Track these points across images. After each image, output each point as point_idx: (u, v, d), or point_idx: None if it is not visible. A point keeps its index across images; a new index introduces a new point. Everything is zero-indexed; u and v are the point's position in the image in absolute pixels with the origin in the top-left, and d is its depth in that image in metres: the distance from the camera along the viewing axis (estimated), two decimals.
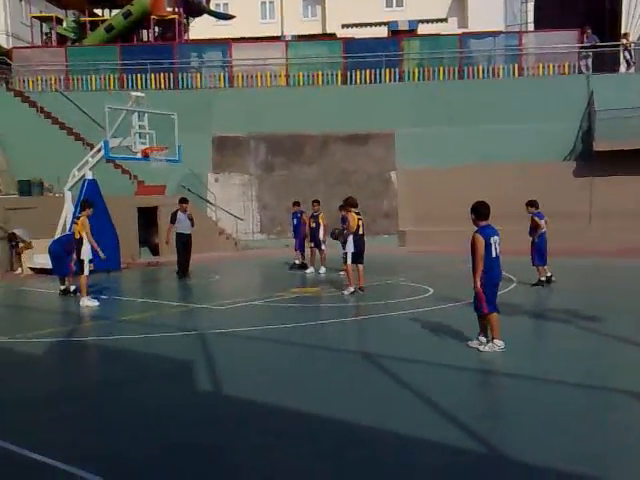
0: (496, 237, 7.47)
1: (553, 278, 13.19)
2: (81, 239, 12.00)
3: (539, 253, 13.12)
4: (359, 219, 12.62)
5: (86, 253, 12.00)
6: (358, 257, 12.70)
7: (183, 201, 16.77)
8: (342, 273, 14.81)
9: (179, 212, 16.47)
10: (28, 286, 15.07)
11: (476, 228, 7.58)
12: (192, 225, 16.47)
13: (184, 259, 16.36)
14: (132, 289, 15.24)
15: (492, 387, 6.82)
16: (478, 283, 7.43)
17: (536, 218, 13.12)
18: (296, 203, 17.86)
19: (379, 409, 5.74)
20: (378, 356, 7.57)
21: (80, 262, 12.05)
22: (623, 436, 5.11)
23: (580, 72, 25.62)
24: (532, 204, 13.25)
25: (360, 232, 12.66)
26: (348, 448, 4.84)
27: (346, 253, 12.60)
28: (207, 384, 6.61)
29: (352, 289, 12.48)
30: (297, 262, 17.35)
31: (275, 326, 9.68)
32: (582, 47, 25.80)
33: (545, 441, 4.91)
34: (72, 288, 13.14)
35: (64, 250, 13.07)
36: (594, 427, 5.29)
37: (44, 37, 33.12)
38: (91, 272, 12.38)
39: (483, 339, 7.73)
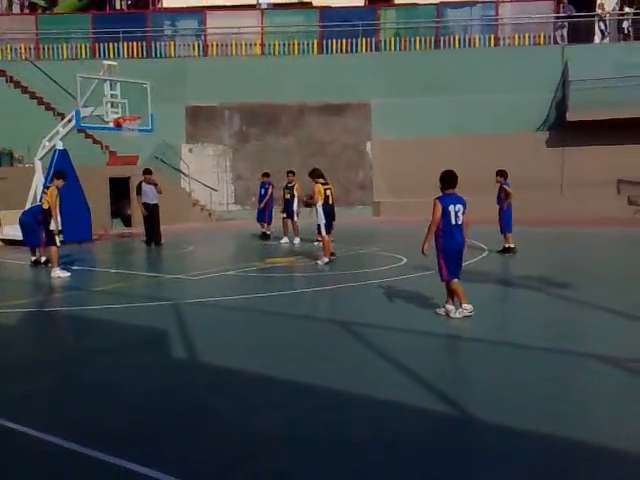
0: (459, 205, 7.58)
1: (516, 249, 13.46)
2: (50, 209, 11.86)
3: (508, 221, 13.45)
4: (326, 189, 12.80)
5: (54, 225, 11.87)
6: (328, 226, 12.82)
7: (146, 172, 17.04)
8: (316, 243, 14.93)
9: (143, 183, 16.81)
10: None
11: (440, 194, 7.72)
12: (159, 192, 16.81)
13: (152, 229, 16.75)
14: (104, 260, 15.15)
15: (464, 352, 6.92)
16: (426, 246, 7.64)
17: (506, 187, 13.40)
18: (265, 174, 17.78)
19: (352, 376, 5.80)
20: (352, 324, 7.63)
21: (50, 233, 11.92)
22: (591, 397, 5.25)
23: (555, 42, 25.64)
24: (501, 174, 13.57)
25: (330, 202, 12.84)
26: (320, 414, 4.90)
27: (319, 224, 12.67)
28: (180, 353, 6.62)
29: (327, 259, 12.54)
30: (267, 232, 17.39)
31: (249, 295, 9.69)
32: (558, 17, 25.79)
33: (517, 403, 5.02)
34: (43, 259, 13.02)
35: (36, 221, 12.92)
36: (563, 389, 5.41)
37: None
38: (62, 243, 12.26)
39: (450, 307, 7.82)
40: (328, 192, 12.83)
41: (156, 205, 16.76)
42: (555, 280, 10.21)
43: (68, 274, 11.82)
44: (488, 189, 14.80)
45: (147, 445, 4.39)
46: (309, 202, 13.17)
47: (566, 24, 25.53)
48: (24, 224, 13.52)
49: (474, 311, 7.70)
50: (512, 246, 13.45)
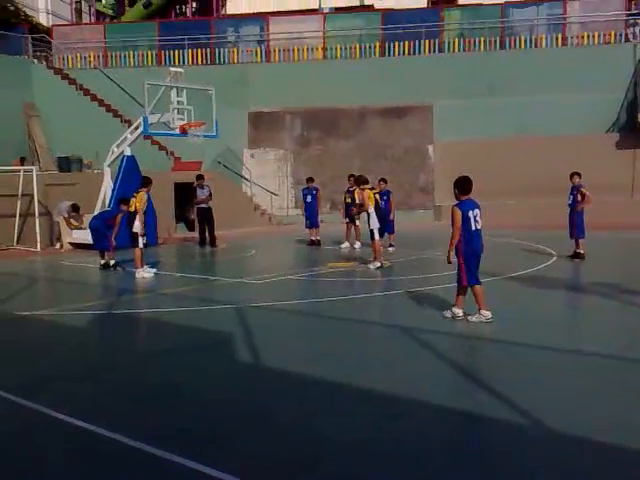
0: (477, 210, 7.67)
1: (584, 256, 12.96)
2: (135, 212, 12.22)
3: (580, 226, 12.93)
4: (375, 194, 12.96)
5: (138, 227, 12.20)
6: (381, 231, 12.87)
7: (199, 178, 17.82)
8: (391, 249, 14.98)
9: (197, 188, 17.53)
10: (69, 260, 15.34)
11: (456, 202, 7.75)
12: (210, 198, 17.54)
13: (205, 231, 17.62)
14: (170, 264, 15.41)
15: (534, 360, 6.70)
16: (452, 254, 7.69)
17: (584, 189, 12.88)
18: (310, 179, 17.73)
19: (417, 383, 5.69)
20: (415, 330, 7.51)
21: (133, 235, 12.27)
22: None
23: (627, 40, 24.79)
24: (580, 175, 13.05)
25: (379, 207, 13.00)
26: (385, 421, 4.82)
27: (372, 230, 12.63)
28: (243, 356, 6.64)
29: (378, 264, 12.46)
30: (314, 238, 17.25)
31: (311, 300, 9.70)
32: (629, 14, 24.93)
33: (588, 413, 4.83)
34: (112, 262, 13.35)
35: (105, 225, 13.28)
36: (634, 397, 5.17)
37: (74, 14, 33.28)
38: (145, 245, 12.58)
39: (457, 310, 7.83)
40: (376, 197, 12.95)
41: (209, 208, 17.43)
42: (627, 287, 9.81)
43: (152, 274, 12.20)
44: (554, 192, 14.41)
45: (211, 446, 4.40)
46: (360, 210, 13.21)
47: (638, 21, 24.64)
48: (93, 228, 13.90)
49: (493, 320, 7.63)
50: (582, 252, 12.95)
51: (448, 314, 7.95)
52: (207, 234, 17.62)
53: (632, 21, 24.82)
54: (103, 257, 13.60)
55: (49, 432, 4.81)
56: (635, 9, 24.97)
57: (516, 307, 8.92)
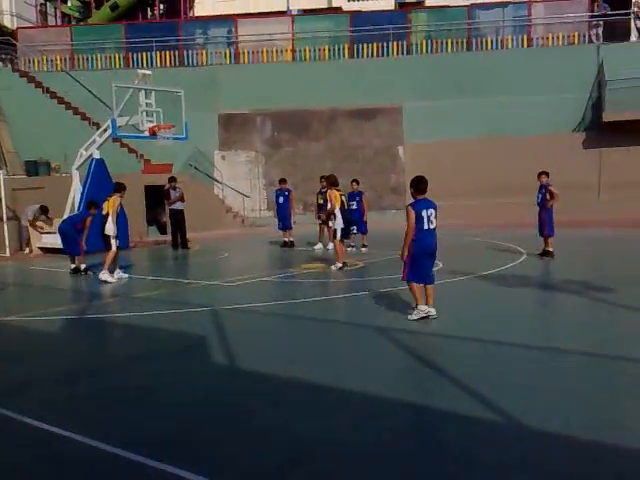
0: (431, 210, 7.85)
1: (553, 254, 13.19)
2: (107, 215, 12.11)
3: (550, 224, 13.15)
4: (341, 195, 13.16)
5: (110, 229, 12.08)
6: (345, 232, 13.07)
7: (171, 180, 17.92)
8: (351, 249, 14.93)
9: (170, 190, 17.68)
10: (39, 265, 15.12)
11: (412, 201, 7.96)
12: (182, 201, 17.65)
13: (177, 233, 17.72)
14: (142, 267, 15.29)
15: (506, 358, 6.81)
16: (405, 252, 7.83)
17: (552, 188, 13.11)
18: (282, 180, 17.72)
19: (394, 383, 5.75)
20: (391, 330, 7.58)
21: (105, 237, 12.15)
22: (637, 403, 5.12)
23: (590, 42, 25.25)
24: (547, 174, 13.28)
25: (345, 207, 13.17)
26: (363, 421, 4.86)
27: (335, 229, 12.80)
28: (219, 359, 6.64)
29: (340, 264, 12.56)
30: (287, 240, 17.26)
31: (285, 301, 9.72)
32: (592, 16, 25.41)
33: (564, 410, 4.93)
34: (82, 267, 13.21)
35: (74, 229, 13.13)
36: (610, 396, 5.29)
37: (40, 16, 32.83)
38: (118, 248, 12.38)
39: (422, 307, 7.91)
40: (343, 198, 13.17)
41: (182, 210, 17.56)
42: (595, 284, 10.02)
43: (114, 280, 12.02)
44: (523, 191, 14.62)
45: (190, 450, 4.39)
46: (328, 213, 13.29)
47: (601, 23, 25.13)
48: (63, 232, 13.73)
49: (434, 316, 7.81)
50: (551, 250, 13.18)
51: (414, 316, 7.93)
52: (178, 236, 17.66)
53: (595, 23, 25.28)
54: (73, 261, 13.44)
55: (22, 439, 4.75)
56: (598, 11, 25.44)
57: (486, 305, 9.06)
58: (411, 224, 7.78)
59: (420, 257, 7.85)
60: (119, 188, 12.62)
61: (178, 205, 17.60)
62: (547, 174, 13.36)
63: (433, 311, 7.91)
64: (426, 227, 7.80)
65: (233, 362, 6.56)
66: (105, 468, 4.21)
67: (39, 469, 4.27)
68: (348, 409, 5.13)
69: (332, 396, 5.43)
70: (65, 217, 15.13)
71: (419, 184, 7.97)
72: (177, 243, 17.66)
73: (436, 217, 7.90)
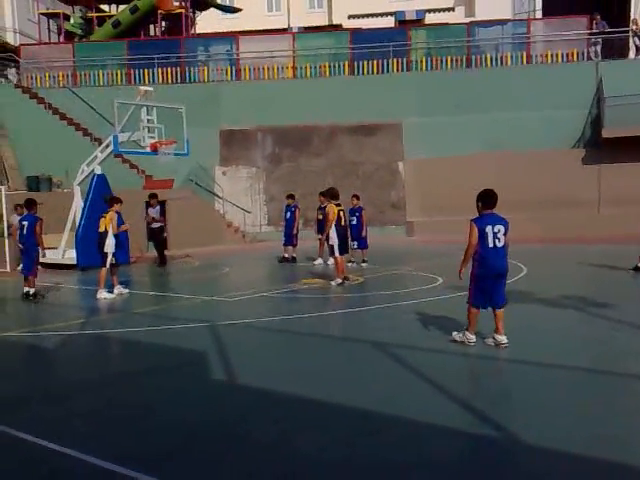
0: (499, 226, 7.10)
1: None
2: (106, 232, 12.09)
3: None
4: (340, 210, 12.93)
5: (109, 246, 12.09)
6: (343, 247, 12.88)
7: (152, 196, 17.63)
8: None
9: (149, 207, 17.51)
10: (39, 281, 15.09)
11: (477, 216, 7.32)
12: (160, 215, 17.59)
13: (160, 250, 17.54)
14: (142, 282, 15.30)
15: (502, 374, 6.81)
16: (462, 271, 7.27)
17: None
18: (290, 196, 17.77)
19: (391, 399, 5.75)
20: (390, 345, 7.58)
21: (103, 255, 12.14)
22: (633, 419, 5.11)
23: (589, 59, 25.43)
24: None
25: (342, 223, 12.98)
26: (359, 437, 4.86)
27: (332, 245, 12.70)
28: (218, 375, 6.64)
29: (340, 280, 12.53)
30: (287, 255, 17.27)
31: (285, 317, 9.72)
32: (591, 34, 25.59)
33: (561, 425, 4.93)
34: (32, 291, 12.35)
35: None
36: (605, 411, 5.29)
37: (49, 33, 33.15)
38: (113, 266, 12.32)
39: (470, 336, 7.45)
40: (341, 213, 12.98)
41: (160, 228, 17.49)
42: (594, 299, 10.02)
43: (114, 295, 12.02)
44: (524, 207, 14.63)
45: (187, 467, 4.39)
46: (326, 227, 13.20)
47: (600, 40, 25.30)
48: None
49: (506, 344, 7.31)
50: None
51: (456, 336, 7.50)
52: (156, 253, 17.64)
53: (594, 40, 25.46)
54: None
55: (17, 454, 4.75)
56: (596, 29, 25.63)
57: (483, 319, 9.05)
58: (472, 241, 7.05)
59: (483, 278, 7.14)
60: (112, 203, 12.47)
61: (155, 224, 17.43)
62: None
63: (504, 339, 7.24)
64: (491, 245, 7.03)
65: (232, 378, 6.56)
66: None
67: None
68: (345, 425, 5.12)
69: (331, 412, 5.43)
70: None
71: (488, 198, 7.18)
72: (163, 260, 17.40)
73: (505, 234, 7.11)
